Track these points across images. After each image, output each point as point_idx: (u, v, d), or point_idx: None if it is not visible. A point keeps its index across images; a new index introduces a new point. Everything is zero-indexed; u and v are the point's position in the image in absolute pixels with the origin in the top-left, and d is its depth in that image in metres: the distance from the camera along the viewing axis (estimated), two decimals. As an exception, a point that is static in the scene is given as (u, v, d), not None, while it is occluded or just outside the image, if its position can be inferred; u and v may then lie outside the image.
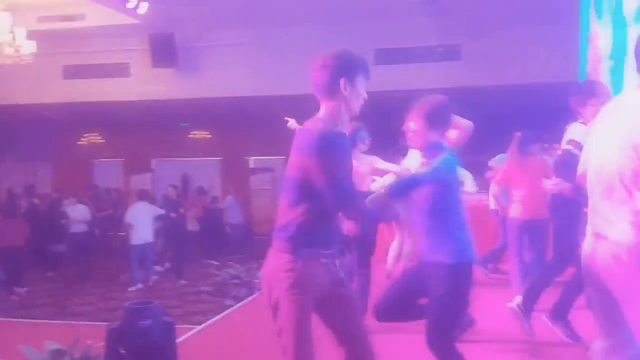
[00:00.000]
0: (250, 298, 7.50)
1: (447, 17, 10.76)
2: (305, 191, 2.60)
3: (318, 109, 3.60)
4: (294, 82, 11.40)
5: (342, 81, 2.63)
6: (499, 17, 10.58)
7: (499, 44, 10.58)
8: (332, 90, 2.66)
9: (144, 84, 12.74)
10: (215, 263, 8.94)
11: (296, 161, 2.63)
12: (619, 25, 6.39)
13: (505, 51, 10.54)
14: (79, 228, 9.75)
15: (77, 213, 9.80)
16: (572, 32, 8.65)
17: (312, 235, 2.63)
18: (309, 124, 2.73)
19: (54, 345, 3.86)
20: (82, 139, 17.34)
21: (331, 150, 2.56)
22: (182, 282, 9.02)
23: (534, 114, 5.60)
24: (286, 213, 2.65)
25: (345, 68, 2.66)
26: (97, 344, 3.89)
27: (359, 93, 2.70)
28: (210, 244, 11.72)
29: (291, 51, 11.48)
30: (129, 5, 10.06)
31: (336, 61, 2.66)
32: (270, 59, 11.76)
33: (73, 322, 6.67)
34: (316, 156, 2.54)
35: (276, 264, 2.63)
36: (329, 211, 2.65)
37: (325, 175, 2.54)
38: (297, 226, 2.61)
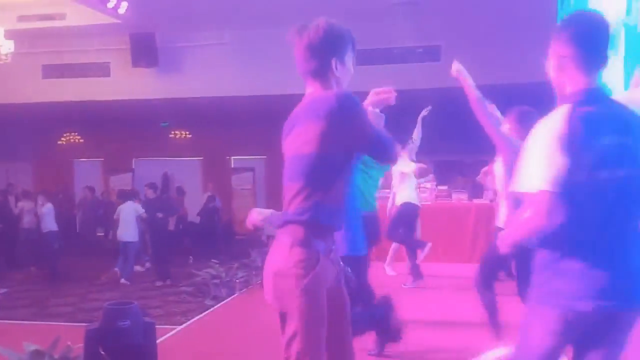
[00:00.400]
0: (230, 298, 7.52)
1: (427, 18, 10.84)
2: (323, 166, 2.36)
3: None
4: (274, 82, 11.46)
5: (333, 61, 2.45)
6: (478, 18, 10.68)
7: (478, 45, 10.68)
8: (322, 72, 2.46)
9: (124, 84, 12.68)
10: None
11: (310, 132, 2.35)
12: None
13: (484, 52, 10.64)
14: (47, 227, 9.74)
15: (45, 211, 9.80)
16: (550, 32, 8.77)
17: (327, 220, 2.39)
18: (307, 97, 2.50)
19: (33, 346, 3.86)
20: (62, 139, 17.22)
21: (356, 105, 2.38)
22: (158, 283, 8.95)
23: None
24: (298, 197, 2.36)
25: (335, 47, 2.46)
26: (77, 345, 3.89)
27: (348, 69, 2.52)
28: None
29: (271, 51, 11.49)
30: (110, 5, 10.01)
31: (325, 42, 2.45)
32: (250, 59, 11.77)
33: (52, 322, 6.64)
34: (342, 117, 2.32)
35: (289, 261, 2.33)
36: (344, 188, 2.44)
37: (361, 130, 2.38)
38: (315, 209, 2.34)
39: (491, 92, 6.58)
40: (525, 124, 4.18)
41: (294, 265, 2.32)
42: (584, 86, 2.17)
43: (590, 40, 2.19)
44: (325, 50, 2.45)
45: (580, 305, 2.09)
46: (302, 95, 2.62)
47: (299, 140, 2.39)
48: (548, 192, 2.06)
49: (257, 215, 2.83)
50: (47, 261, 9.66)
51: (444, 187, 10.57)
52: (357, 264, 3.12)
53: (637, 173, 2.09)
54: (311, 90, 2.50)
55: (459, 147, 12.47)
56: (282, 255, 2.36)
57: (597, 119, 2.09)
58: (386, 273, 8.50)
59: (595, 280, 2.07)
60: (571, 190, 2.06)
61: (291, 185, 2.40)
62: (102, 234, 13.53)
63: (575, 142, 2.05)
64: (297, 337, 2.31)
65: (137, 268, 9.86)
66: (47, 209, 9.87)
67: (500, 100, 6.77)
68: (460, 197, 10.23)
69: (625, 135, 2.10)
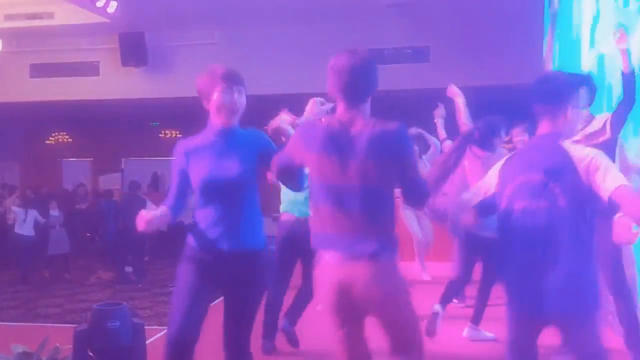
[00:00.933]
0: (220, 299, 7.49)
1: (416, 19, 10.89)
2: (388, 195, 2.53)
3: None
4: (264, 82, 11.44)
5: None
6: (466, 20, 10.74)
7: (466, 47, 10.74)
8: (368, 98, 2.60)
9: (113, 83, 12.63)
10: None
11: (389, 165, 2.48)
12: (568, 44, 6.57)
13: (472, 53, 10.70)
14: (17, 229, 9.65)
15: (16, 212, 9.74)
16: (537, 35, 8.84)
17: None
18: (357, 123, 2.51)
19: (21, 348, 3.84)
20: (50, 139, 17.13)
21: (411, 142, 2.64)
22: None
23: (500, 115, 5.70)
24: (377, 226, 2.51)
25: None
26: (65, 346, 3.87)
27: None
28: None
29: (261, 51, 11.50)
30: (99, 4, 9.97)
31: (375, 69, 2.61)
32: (240, 59, 11.70)
33: (40, 324, 6.61)
34: (406, 151, 2.53)
35: (401, 285, 2.57)
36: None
37: (415, 169, 2.57)
38: (392, 234, 2.56)
39: (478, 93, 6.63)
40: (483, 136, 4.57)
41: (404, 287, 2.63)
42: (538, 132, 2.72)
43: (543, 96, 2.69)
44: (376, 77, 2.60)
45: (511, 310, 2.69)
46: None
47: (375, 171, 2.45)
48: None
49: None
50: (18, 264, 9.57)
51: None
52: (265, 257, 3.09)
53: (544, 204, 2.53)
54: (355, 113, 2.54)
55: (448, 147, 12.51)
56: (392, 282, 2.54)
57: (521, 160, 2.69)
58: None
59: (515, 291, 2.66)
60: (499, 215, 2.69)
61: (364, 214, 2.48)
62: (89, 234, 13.47)
63: (503, 177, 2.69)
64: (418, 329, 2.66)
65: (127, 269, 9.79)
66: (17, 210, 9.80)
67: (487, 101, 6.81)
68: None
69: (536, 173, 2.56)
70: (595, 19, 5.71)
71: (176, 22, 11.51)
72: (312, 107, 4.64)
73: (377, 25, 10.84)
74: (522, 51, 9.83)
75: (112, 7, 10.17)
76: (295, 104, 4.97)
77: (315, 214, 2.60)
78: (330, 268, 2.53)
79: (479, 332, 5.02)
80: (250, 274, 2.95)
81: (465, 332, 5.06)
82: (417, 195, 2.61)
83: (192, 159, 2.95)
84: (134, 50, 12.21)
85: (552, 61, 7.73)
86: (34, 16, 11.07)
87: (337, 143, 2.48)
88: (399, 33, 11.05)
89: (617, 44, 3.86)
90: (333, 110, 3.99)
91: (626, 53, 3.85)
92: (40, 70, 12.91)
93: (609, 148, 3.84)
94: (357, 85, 2.54)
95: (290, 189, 3.00)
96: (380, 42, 11.34)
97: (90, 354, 3.68)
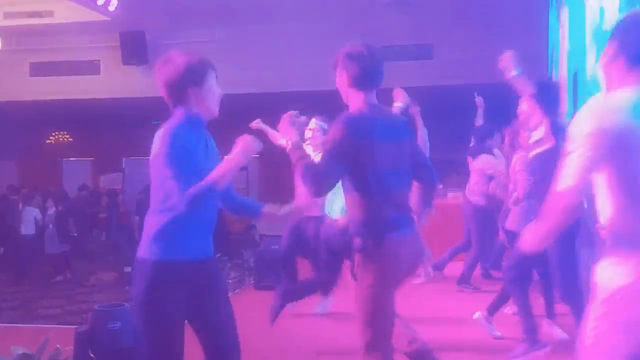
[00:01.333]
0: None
1: (419, 16, 10.86)
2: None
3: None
4: (265, 79, 11.42)
5: None
6: (469, 16, 10.71)
7: (470, 43, 10.70)
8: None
9: (114, 82, 12.61)
10: None
11: (405, 147, 2.81)
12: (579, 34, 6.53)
13: (475, 50, 10.66)
14: (22, 229, 9.57)
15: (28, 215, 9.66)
16: (541, 31, 8.80)
17: None
18: (382, 112, 2.84)
19: (21, 350, 3.79)
20: (50, 138, 17.08)
21: None
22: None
23: (503, 112, 5.67)
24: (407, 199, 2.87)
25: None
26: (66, 348, 3.83)
27: None
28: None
29: (262, 49, 11.47)
30: (99, 2, 9.94)
31: None
32: (241, 57, 11.73)
33: (41, 325, 6.55)
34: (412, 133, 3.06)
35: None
36: None
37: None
38: None
39: (481, 90, 6.57)
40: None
41: None
42: None
43: None
44: None
45: None
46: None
47: (407, 152, 2.82)
48: None
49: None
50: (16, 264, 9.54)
51: (439, 186, 10.52)
52: None
53: None
54: (374, 100, 2.80)
55: (453, 145, 12.47)
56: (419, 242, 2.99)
57: None
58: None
59: None
60: None
61: (407, 190, 2.86)
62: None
63: None
64: None
65: (126, 269, 9.72)
66: (21, 210, 9.76)
67: (490, 98, 6.75)
68: (455, 196, 10.17)
69: None
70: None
71: (177, 21, 11.48)
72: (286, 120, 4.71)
73: (379, 22, 10.81)
74: (525, 49, 9.77)
75: (112, 6, 10.15)
76: (295, 101, 4.94)
77: (372, 199, 2.71)
78: (397, 244, 2.69)
79: (489, 325, 4.91)
80: (221, 277, 2.85)
81: (477, 315, 4.93)
82: (432, 172, 2.93)
83: (195, 153, 2.55)
84: (134, 48, 12.19)
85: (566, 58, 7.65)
86: (33, 14, 11.05)
87: (383, 129, 2.70)
88: (401, 30, 11.02)
89: (505, 71, 3.90)
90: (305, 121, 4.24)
91: (517, 78, 3.96)
92: (40, 69, 12.88)
93: (554, 156, 3.73)
94: (379, 72, 2.76)
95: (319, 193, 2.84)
96: (383, 39, 11.28)
97: (92, 355, 3.65)
